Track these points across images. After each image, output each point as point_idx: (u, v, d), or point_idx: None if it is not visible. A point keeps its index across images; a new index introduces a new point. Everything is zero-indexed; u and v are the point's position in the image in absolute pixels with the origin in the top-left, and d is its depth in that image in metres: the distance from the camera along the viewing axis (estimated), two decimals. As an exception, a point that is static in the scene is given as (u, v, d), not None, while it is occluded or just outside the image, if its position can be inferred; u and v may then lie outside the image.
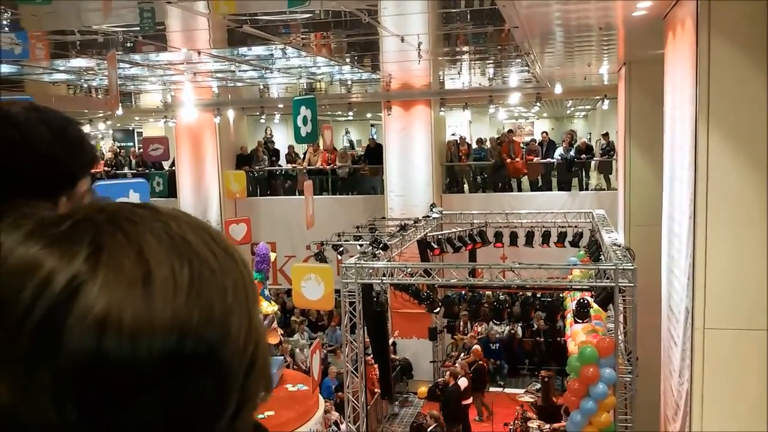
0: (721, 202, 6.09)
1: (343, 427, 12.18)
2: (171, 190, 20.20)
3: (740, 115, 6.02)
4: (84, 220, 0.64)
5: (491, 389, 15.66)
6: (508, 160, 18.24)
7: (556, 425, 11.96)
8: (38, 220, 0.65)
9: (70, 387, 0.57)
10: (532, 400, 13.32)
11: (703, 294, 6.20)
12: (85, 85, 18.31)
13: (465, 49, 15.10)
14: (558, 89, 17.54)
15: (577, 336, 10.91)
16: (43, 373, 0.57)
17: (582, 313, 11.08)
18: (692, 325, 6.31)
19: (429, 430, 12.03)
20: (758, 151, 5.99)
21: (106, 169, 21.63)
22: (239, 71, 16.87)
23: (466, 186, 19.22)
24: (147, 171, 20.90)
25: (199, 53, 13.03)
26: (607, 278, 9.47)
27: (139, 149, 26.74)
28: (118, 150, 23.78)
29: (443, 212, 16.43)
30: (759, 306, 6.05)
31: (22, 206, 0.69)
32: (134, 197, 8.28)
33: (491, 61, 16.84)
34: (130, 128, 30.55)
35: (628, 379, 9.65)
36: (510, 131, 21.31)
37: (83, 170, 1.21)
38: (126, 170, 21.56)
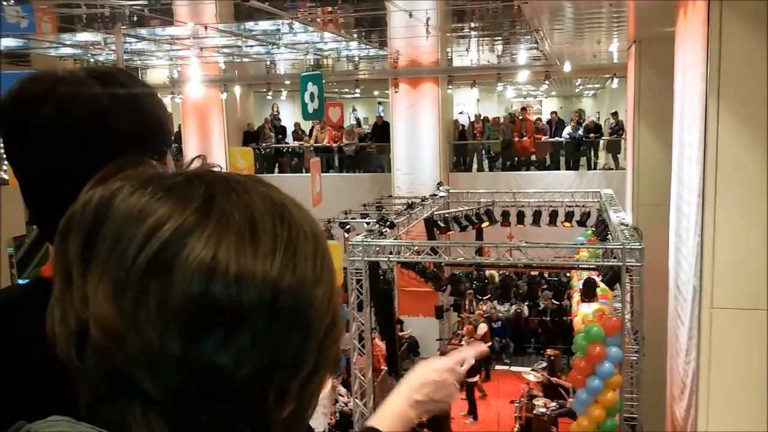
0: (731, 181, 6.04)
1: (350, 403, 12.27)
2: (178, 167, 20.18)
3: (751, 93, 5.95)
4: (197, 175, 0.69)
5: (497, 367, 15.74)
6: (516, 139, 18.15)
7: (561, 402, 12.04)
8: (153, 172, 0.70)
9: (175, 320, 0.62)
10: (537, 379, 13.38)
11: (711, 273, 6.18)
12: (92, 60, 18.25)
13: (473, 25, 14.97)
14: (567, 67, 17.40)
15: (583, 315, 10.92)
16: (152, 307, 0.62)
17: (589, 292, 11.07)
18: (700, 304, 6.29)
19: (434, 406, 12.09)
20: (769, 128, 5.93)
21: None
22: (246, 46, 16.79)
23: (474, 164, 19.15)
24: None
25: (205, 28, 12.96)
26: (615, 257, 9.45)
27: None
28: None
29: (450, 191, 16.39)
30: (765, 285, 6.03)
31: (138, 163, 0.74)
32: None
33: (500, 38, 16.69)
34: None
35: (635, 358, 9.66)
36: (524, 109, 21.18)
37: (166, 144, 1.24)
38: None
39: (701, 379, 6.33)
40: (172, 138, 1.29)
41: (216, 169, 0.72)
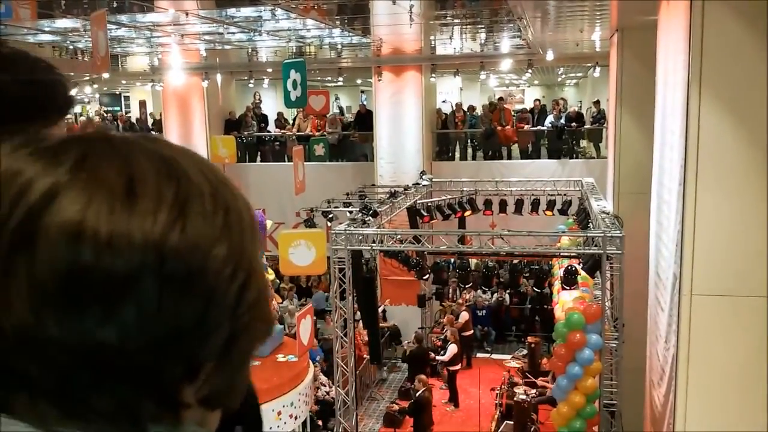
0: (712, 169, 6.08)
1: (332, 392, 12.29)
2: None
3: (733, 81, 5.99)
4: (76, 137, 0.63)
5: (478, 355, 15.83)
6: (499, 128, 18.18)
7: (539, 382, 12.14)
8: (28, 136, 0.63)
9: (46, 295, 0.56)
10: (518, 365, 13.47)
11: (691, 260, 6.23)
12: (71, 47, 18.01)
13: (457, 13, 14.93)
14: (550, 56, 17.42)
15: (564, 303, 10.99)
16: (21, 280, 0.56)
17: (570, 280, 11.14)
18: (679, 291, 6.35)
19: (418, 394, 12.15)
20: (750, 117, 5.97)
21: (92, 133, 21.41)
22: (227, 33, 16.63)
23: (457, 153, 19.17)
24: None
25: (186, 14, 12.81)
26: (595, 245, 9.51)
27: (126, 113, 26.45)
28: (105, 114, 23.52)
29: (433, 179, 16.40)
30: (746, 272, 6.09)
31: (21, 130, 0.68)
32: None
33: (483, 27, 16.68)
34: (117, 92, 30.18)
35: (614, 345, 9.74)
36: (501, 99, 21.20)
37: (59, 111, 1.18)
38: (113, 134, 21.34)
39: (680, 365, 6.39)
40: (68, 102, 1.23)
41: (102, 126, 0.66)
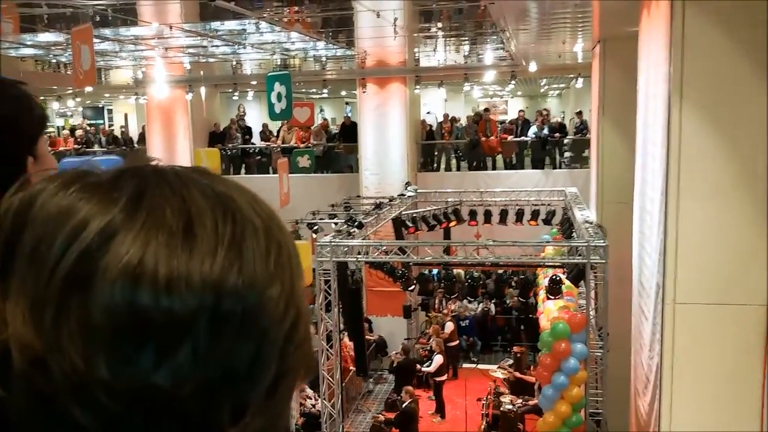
0: (693, 179, 6.15)
1: (318, 404, 12.23)
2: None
3: (714, 92, 6.07)
4: (128, 170, 0.61)
5: (465, 365, 15.83)
6: (483, 139, 18.29)
7: (529, 402, 12.14)
8: (81, 170, 0.62)
9: (101, 339, 0.54)
10: (504, 375, 13.48)
11: (674, 269, 6.28)
12: (54, 60, 17.93)
13: (441, 25, 15.04)
14: (533, 67, 17.58)
15: (549, 312, 11.04)
16: (74, 323, 0.54)
17: (554, 289, 11.20)
18: (663, 300, 6.40)
19: (404, 405, 12.12)
20: (731, 127, 6.05)
21: (75, 146, 21.29)
22: (212, 46, 16.64)
23: (442, 164, 19.26)
24: (119, 148, 20.64)
25: (170, 27, 12.81)
26: (579, 255, 9.57)
27: (110, 126, 26.32)
28: (88, 127, 23.41)
29: (418, 190, 16.45)
30: (728, 281, 6.16)
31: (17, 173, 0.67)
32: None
33: (467, 39, 16.81)
34: (100, 105, 30.05)
35: (599, 353, 9.79)
36: (487, 110, 21.35)
37: (39, 129, 1.19)
38: (96, 148, 21.24)
39: (665, 373, 6.44)
40: (41, 133, 1.23)
41: (155, 163, 0.64)
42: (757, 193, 6.00)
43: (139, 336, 0.54)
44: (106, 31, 14.14)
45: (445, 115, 19.88)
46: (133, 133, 23.57)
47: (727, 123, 6.06)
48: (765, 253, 6.02)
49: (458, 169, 19.13)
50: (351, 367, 13.76)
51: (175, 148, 19.53)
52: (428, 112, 21.70)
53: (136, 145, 21.44)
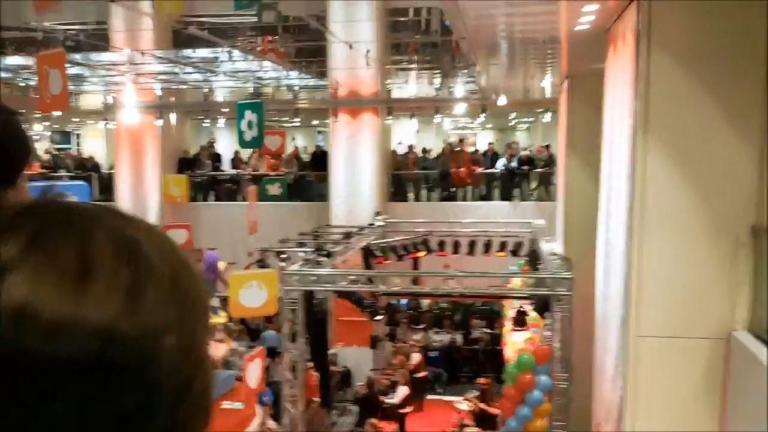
0: (658, 214, 6.26)
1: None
2: (109, 192, 19.79)
3: (678, 129, 6.21)
4: (35, 207, 0.60)
5: (430, 396, 15.74)
6: (453, 170, 18.46)
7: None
8: None
9: None
10: (469, 407, 13.42)
11: (637, 303, 6.36)
12: (23, 84, 17.75)
13: (413, 58, 15.23)
14: (502, 101, 17.84)
15: (515, 344, 11.06)
16: None
17: (520, 321, 11.24)
18: (627, 333, 6.46)
19: (369, 438, 12.00)
20: (694, 164, 6.19)
21: (42, 170, 20.98)
22: (183, 73, 16.62)
23: (411, 194, 19.35)
24: (85, 174, 20.41)
25: (142, 54, 12.79)
26: (546, 287, 9.63)
27: (78, 151, 26.04)
28: (56, 151, 23.13)
29: (387, 220, 16.47)
30: (691, 315, 6.24)
31: None
32: (74, 199, 8.02)
33: (438, 72, 17.04)
34: (68, 130, 29.73)
35: (564, 385, 9.80)
36: (462, 140, 21.59)
37: (25, 160, 1.18)
38: (63, 172, 20.96)
39: (628, 406, 6.47)
40: (26, 162, 1.22)
41: (69, 200, 0.63)
42: (719, 228, 6.13)
43: (21, 382, 0.53)
44: (77, 56, 14.06)
45: (410, 146, 20.05)
46: (101, 158, 23.32)
47: (690, 159, 6.21)
48: (725, 288, 6.14)
49: (428, 199, 19.24)
50: (316, 398, 13.59)
51: (144, 173, 19.36)
52: (399, 143, 21.86)
53: (103, 170, 21.20)
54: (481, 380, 14.00)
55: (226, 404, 9.41)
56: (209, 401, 0.64)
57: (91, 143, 27.69)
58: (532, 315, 11.23)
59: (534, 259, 12.90)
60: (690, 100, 6.12)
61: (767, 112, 5.96)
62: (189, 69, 15.85)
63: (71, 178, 19.88)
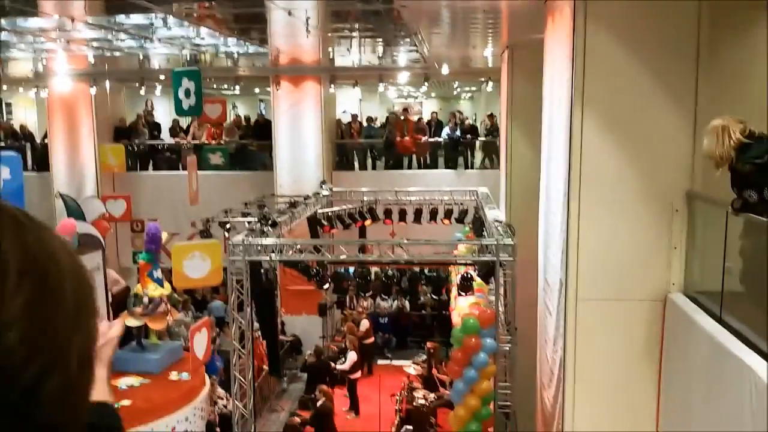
0: (594, 181, 6.46)
1: (229, 404, 12.06)
2: (43, 163, 19.16)
3: (613, 99, 6.38)
4: None
5: (379, 362, 15.98)
6: (398, 139, 18.50)
7: (442, 396, 12.40)
8: None
9: None
10: (417, 371, 13.71)
11: (575, 267, 6.58)
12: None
13: (355, 26, 15.10)
14: (445, 70, 17.90)
15: (461, 308, 11.30)
16: None
17: (465, 286, 11.47)
18: (566, 297, 6.69)
19: (318, 404, 12.14)
20: (628, 134, 6.40)
21: (-30, 141, 20.16)
22: (117, 40, 16.10)
23: (356, 163, 19.34)
24: (17, 144, 19.67)
25: (72, 20, 12.32)
26: (489, 253, 9.84)
27: (8, 120, 25.04)
28: (-17, 121, 22.20)
29: (333, 189, 16.46)
30: (628, 278, 6.50)
31: None
32: (4, 171, 7.77)
33: (381, 40, 16.94)
34: (-3, 98, 28.46)
35: (508, 348, 10.09)
36: (406, 110, 21.59)
37: None
38: (-7, 142, 20.18)
39: (567, 366, 6.73)
40: None
41: None
42: (655, 195, 6.37)
43: None
44: (3, 22, 13.44)
45: (354, 115, 19.98)
46: (33, 127, 22.49)
47: (626, 129, 6.40)
48: (662, 251, 6.40)
49: (374, 168, 19.27)
50: (264, 366, 13.65)
51: (79, 143, 18.79)
52: (344, 111, 21.75)
53: (37, 140, 20.47)
54: (429, 344, 14.28)
55: (173, 375, 9.35)
56: (79, 399, 0.63)
57: (22, 112, 26.64)
58: (478, 281, 11.47)
59: (478, 226, 13.13)
60: (625, 72, 6.29)
61: (697, 84, 6.19)
62: (123, 35, 15.36)
63: (1, 148, 19.15)
